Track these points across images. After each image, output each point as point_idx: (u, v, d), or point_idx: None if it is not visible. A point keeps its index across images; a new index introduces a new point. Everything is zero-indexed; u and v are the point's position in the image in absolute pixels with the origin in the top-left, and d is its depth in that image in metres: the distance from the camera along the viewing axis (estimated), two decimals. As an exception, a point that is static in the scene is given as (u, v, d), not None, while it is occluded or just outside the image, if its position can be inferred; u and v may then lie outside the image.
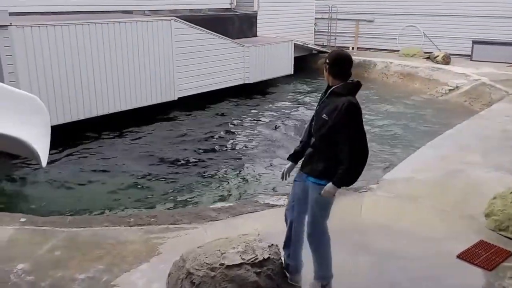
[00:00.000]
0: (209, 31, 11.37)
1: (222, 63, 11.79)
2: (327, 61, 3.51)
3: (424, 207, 5.39)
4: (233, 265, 3.46)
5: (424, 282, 3.98)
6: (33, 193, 6.87)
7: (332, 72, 3.50)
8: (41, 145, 3.65)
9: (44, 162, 3.61)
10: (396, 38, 17.37)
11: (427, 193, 5.76)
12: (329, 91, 3.52)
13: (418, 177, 6.29)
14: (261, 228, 4.70)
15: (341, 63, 3.48)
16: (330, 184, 3.42)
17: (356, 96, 3.46)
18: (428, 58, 15.61)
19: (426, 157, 7.16)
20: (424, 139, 8.68)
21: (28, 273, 3.98)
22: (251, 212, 5.18)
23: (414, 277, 4.02)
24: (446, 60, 14.95)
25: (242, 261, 3.49)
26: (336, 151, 3.42)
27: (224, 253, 3.55)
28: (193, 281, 3.47)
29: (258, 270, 3.50)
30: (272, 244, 3.73)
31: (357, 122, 3.40)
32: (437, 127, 9.80)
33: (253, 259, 3.52)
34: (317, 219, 3.58)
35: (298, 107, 11.96)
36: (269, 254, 3.62)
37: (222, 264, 3.46)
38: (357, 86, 3.49)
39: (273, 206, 5.34)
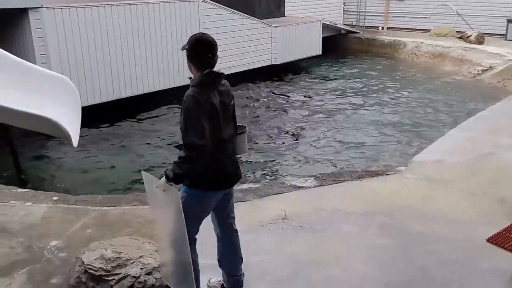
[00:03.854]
0: (237, 12, 11.31)
1: (249, 44, 11.72)
2: (187, 47, 2.98)
3: (454, 190, 5.30)
4: (82, 262, 3.38)
5: (453, 266, 3.93)
6: (65, 172, 7.03)
7: (192, 60, 2.98)
8: (72, 126, 3.73)
9: (75, 142, 3.70)
10: (427, 17, 16.92)
11: (457, 176, 5.66)
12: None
13: (448, 159, 6.19)
14: (287, 210, 4.74)
15: (200, 49, 2.96)
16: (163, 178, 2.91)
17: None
18: (460, 37, 15.17)
19: (457, 139, 7.02)
20: (455, 121, 8.51)
21: (60, 249, 4.10)
22: (277, 194, 5.19)
23: (443, 261, 3.98)
24: (480, 39, 14.51)
25: (83, 264, 3.37)
26: None
27: (106, 250, 3.45)
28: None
29: (81, 279, 3.33)
30: (150, 273, 3.38)
31: (188, 114, 2.84)
32: (469, 109, 9.58)
33: (94, 270, 3.32)
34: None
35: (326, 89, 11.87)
36: (121, 276, 3.30)
37: (82, 255, 3.48)
38: (213, 76, 2.97)
39: (299, 187, 5.33)
